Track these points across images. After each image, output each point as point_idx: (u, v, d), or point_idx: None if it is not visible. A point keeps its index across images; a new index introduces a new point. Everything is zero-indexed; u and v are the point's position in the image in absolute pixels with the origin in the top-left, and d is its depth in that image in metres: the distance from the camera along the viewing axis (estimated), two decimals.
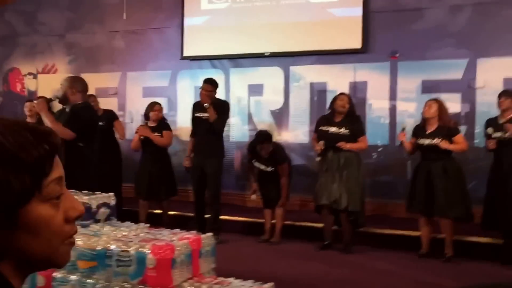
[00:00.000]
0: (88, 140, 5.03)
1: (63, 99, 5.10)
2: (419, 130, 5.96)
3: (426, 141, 5.81)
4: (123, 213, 5.35)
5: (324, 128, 6.18)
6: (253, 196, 6.79)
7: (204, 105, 6.49)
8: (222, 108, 6.62)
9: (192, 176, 6.76)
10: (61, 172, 0.86)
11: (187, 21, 8.65)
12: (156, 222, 6.20)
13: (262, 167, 6.51)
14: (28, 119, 7.37)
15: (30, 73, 10.07)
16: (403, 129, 6.14)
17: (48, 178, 0.83)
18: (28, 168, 0.80)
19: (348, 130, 6.05)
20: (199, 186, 6.63)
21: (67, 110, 5.11)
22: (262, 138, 6.50)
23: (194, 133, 6.82)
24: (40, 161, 0.82)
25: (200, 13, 8.61)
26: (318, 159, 6.24)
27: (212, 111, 6.46)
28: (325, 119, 6.31)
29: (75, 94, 5.04)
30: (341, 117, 6.14)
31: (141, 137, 6.81)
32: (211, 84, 6.58)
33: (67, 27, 9.71)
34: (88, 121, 5.06)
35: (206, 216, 6.62)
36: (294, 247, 6.34)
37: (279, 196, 6.46)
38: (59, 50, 9.81)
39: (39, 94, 9.29)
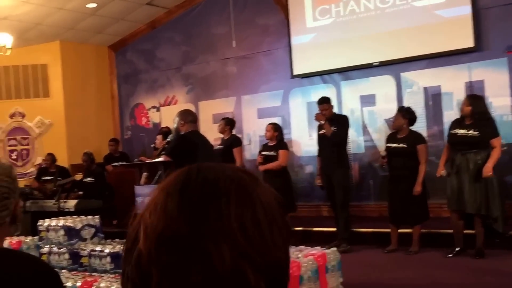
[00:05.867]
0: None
1: (176, 131, 5.74)
2: None
3: None
4: None
5: (453, 131, 6.11)
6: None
7: (320, 122, 6.75)
8: (339, 122, 6.83)
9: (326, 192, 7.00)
10: None
11: (294, 41, 8.87)
12: None
13: None
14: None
15: (153, 107, 10.77)
16: None
17: None
18: None
19: (477, 132, 5.91)
20: (332, 199, 6.82)
21: None
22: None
23: (319, 151, 7.04)
24: None
25: (306, 31, 8.79)
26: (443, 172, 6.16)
27: (328, 126, 6.66)
28: (456, 122, 6.20)
29: (184, 125, 5.61)
30: (469, 120, 6.01)
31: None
32: (325, 103, 6.89)
33: (183, 60, 10.32)
34: (185, 145, 5.51)
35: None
36: (423, 255, 6.25)
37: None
38: (177, 82, 10.42)
39: (163, 125, 9.90)
